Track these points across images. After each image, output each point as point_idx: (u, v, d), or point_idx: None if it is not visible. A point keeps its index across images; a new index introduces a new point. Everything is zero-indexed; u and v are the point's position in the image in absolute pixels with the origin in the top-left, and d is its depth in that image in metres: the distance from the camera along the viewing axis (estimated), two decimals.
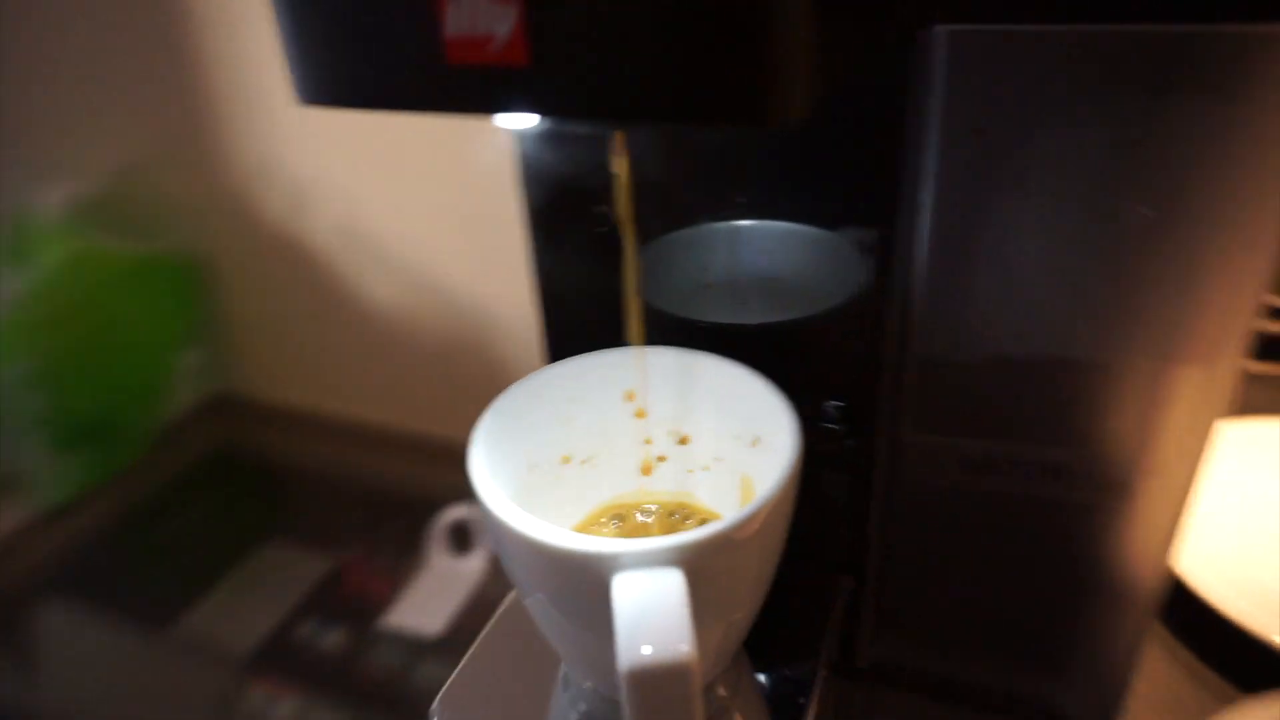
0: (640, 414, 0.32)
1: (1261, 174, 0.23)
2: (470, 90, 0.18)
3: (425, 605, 0.94)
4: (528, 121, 0.27)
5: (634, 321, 0.28)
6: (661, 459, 0.32)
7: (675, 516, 0.32)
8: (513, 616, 0.35)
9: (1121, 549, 0.30)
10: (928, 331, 0.28)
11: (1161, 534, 0.29)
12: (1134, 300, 0.25)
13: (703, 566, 0.23)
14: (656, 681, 0.20)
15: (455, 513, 1.42)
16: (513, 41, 0.17)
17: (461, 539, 1.39)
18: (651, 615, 0.21)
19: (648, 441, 0.32)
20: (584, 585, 0.23)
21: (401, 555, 1.29)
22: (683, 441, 0.32)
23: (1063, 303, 0.26)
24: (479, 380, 1.44)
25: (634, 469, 0.33)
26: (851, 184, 0.28)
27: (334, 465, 1.45)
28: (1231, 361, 0.26)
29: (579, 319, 0.35)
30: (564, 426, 0.31)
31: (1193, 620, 0.41)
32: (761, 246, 0.38)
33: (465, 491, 0.25)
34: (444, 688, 0.32)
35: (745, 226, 0.37)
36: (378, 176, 1.04)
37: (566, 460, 0.32)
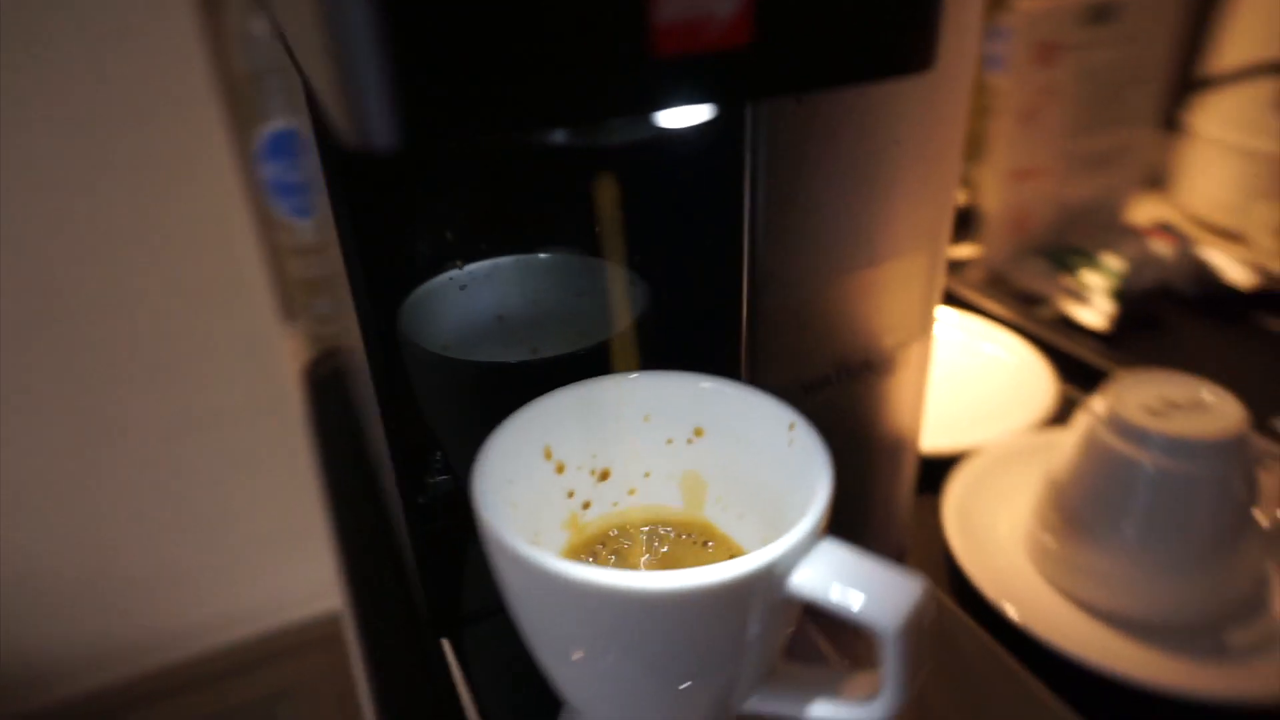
0: (560, 469, 0.29)
1: (949, 112, 0.32)
2: (676, 83, 0.16)
3: None
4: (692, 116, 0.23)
5: (623, 354, 0.26)
6: (587, 505, 0.30)
7: (619, 547, 0.30)
8: None
9: (899, 412, 0.39)
10: (770, 284, 0.32)
11: (921, 391, 0.39)
12: (894, 212, 0.33)
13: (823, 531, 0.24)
14: (918, 620, 0.21)
15: None
16: (737, 20, 0.16)
17: None
18: (862, 579, 0.22)
19: (570, 495, 0.30)
20: (734, 610, 0.22)
21: None
22: (604, 477, 0.30)
23: (855, 227, 0.33)
24: None
25: (564, 529, 0.30)
26: (703, 167, 0.30)
27: None
28: (944, 247, 0.36)
29: (436, 385, 0.30)
30: (512, 511, 0.27)
31: None
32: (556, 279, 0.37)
33: None
34: None
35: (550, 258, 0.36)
36: None
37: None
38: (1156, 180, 0.87)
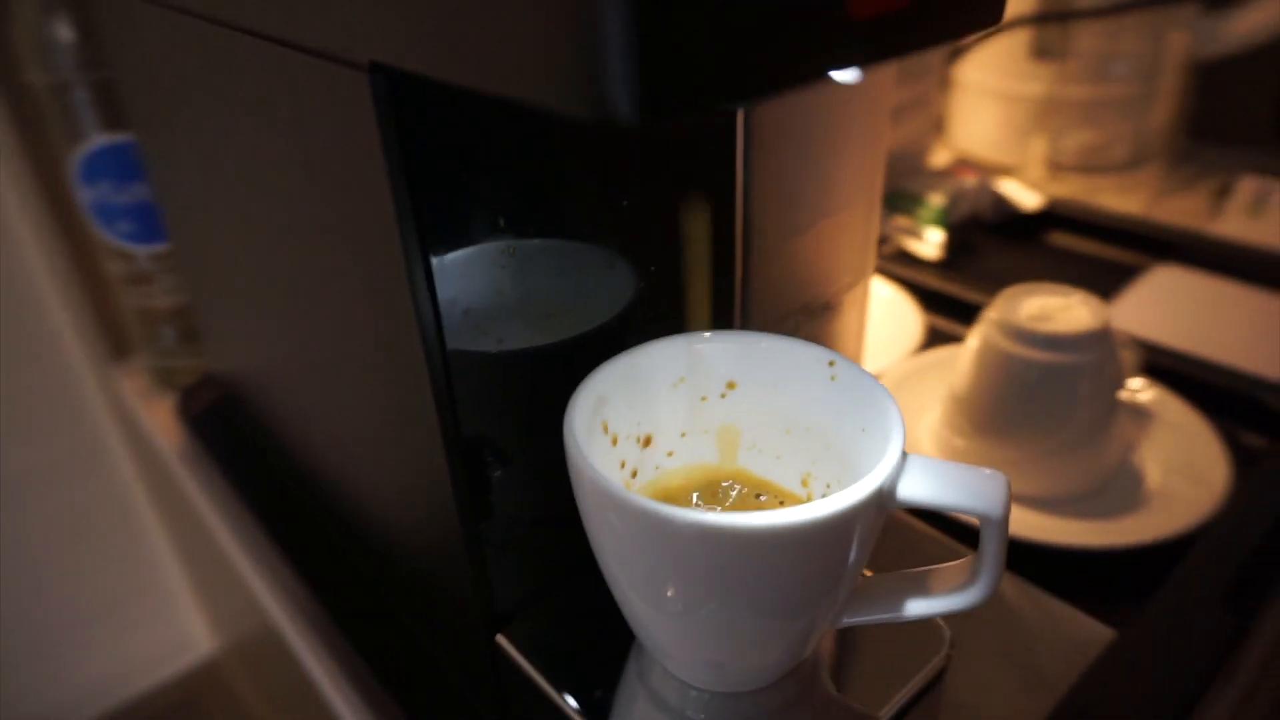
0: (615, 441, 0.30)
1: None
2: (865, 43, 0.18)
3: None
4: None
5: (698, 304, 0.27)
6: (635, 474, 0.31)
7: None
8: None
9: (849, 345, 0.43)
10: (755, 241, 0.35)
11: (863, 325, 0.43)
12: (846, 167, 0.37)
13: None
14: (1007, 504, 0.24)
15: None
16: None
17: None
18: (958, 479, 0.25)
19: (623, 465, 0.31)
20: (851, 532, 0.24)
21: None
22: (646, 443, 0.31)
23: (819, 183, 0.36)
24: None
25: None
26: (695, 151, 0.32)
27: None
28: (879, 197, 0.40)
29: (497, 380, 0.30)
30: None
31: None
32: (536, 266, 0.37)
33: None
34: None
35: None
36: None
37: None
38: (937, 129, 0.99)
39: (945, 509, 0.24)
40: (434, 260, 0.36)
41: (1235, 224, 0.77)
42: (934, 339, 0.64)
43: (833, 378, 0.29)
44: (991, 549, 0.25)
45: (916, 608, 0.27)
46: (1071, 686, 0.37)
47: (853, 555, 0.25)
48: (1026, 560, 0.43)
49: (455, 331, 0.38)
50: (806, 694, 0.30)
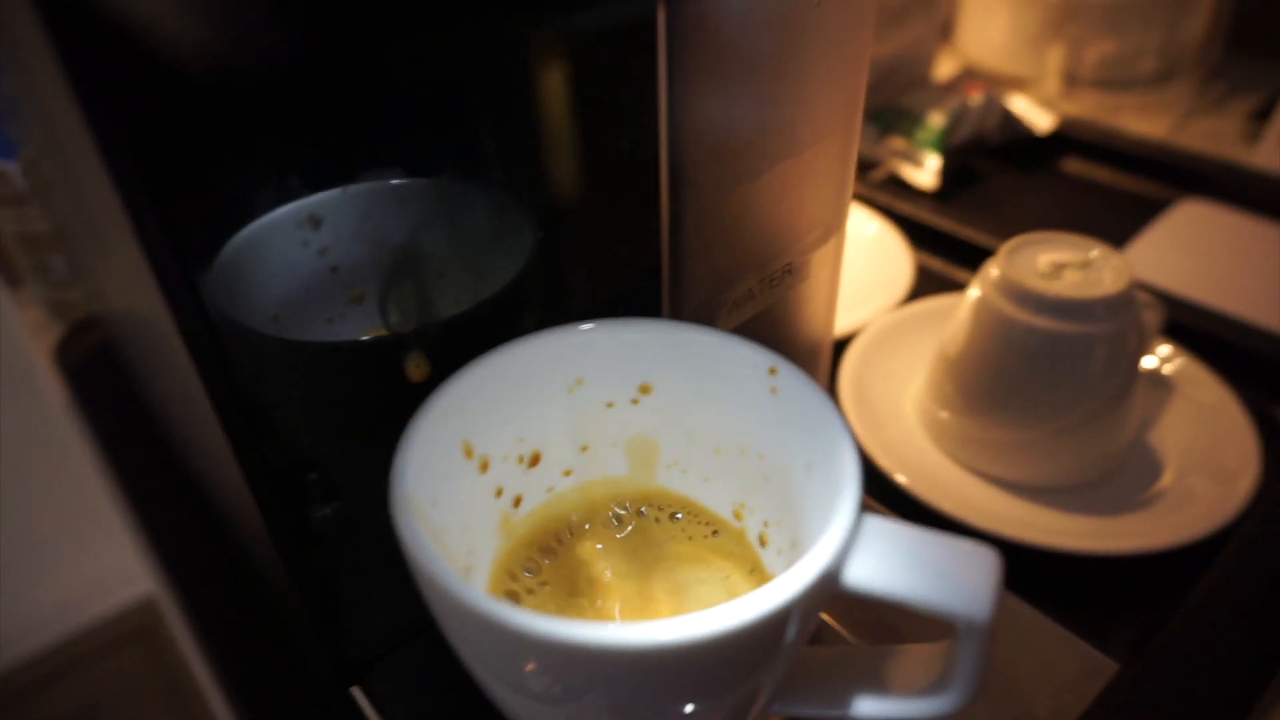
0: (485, 466, 0.23)
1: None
2: None
3: None
4: None
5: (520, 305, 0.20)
6: (518, 501, 0.24)
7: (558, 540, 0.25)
8: None
9: (819, 310, 0.35)
10: (691, 192, 0.27)
11: (835, 286, 0.35)
12: (815, 91, 0.28)
13: None
14: (997, 601, 0.17)
15: None
16: None
17: None
18: (930, 561, 0.18)
19: (499, 494, 0.23)
20: (784, 628, 0.17)
21: None
22: (534, 462, 0.24)
23: (778, 112, 0.27)
24: None
25: (495, 536, 0.24)
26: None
27: None
28: (858, 125, 0.31)
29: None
30: (441, 542, 0.20)
31: None
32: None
33: None
34: None
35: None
36: None
37: (467, 570, 0.21)
38: (944, 34, 0.88)
39: (911, 606, 0.17)
40: (283, 211, 0.28)
41: (1274, 153, 0.68)
42: (925, 283, 0.57)
43: (773, 389, 0.22)
44: (972, 658, 0.18)
45: (867, 708, 0.20)
46: None
47: (782, 652, 0.18)
48: (1013, 565, 0.37)
49: (323, 293, 0.30)
50: None
